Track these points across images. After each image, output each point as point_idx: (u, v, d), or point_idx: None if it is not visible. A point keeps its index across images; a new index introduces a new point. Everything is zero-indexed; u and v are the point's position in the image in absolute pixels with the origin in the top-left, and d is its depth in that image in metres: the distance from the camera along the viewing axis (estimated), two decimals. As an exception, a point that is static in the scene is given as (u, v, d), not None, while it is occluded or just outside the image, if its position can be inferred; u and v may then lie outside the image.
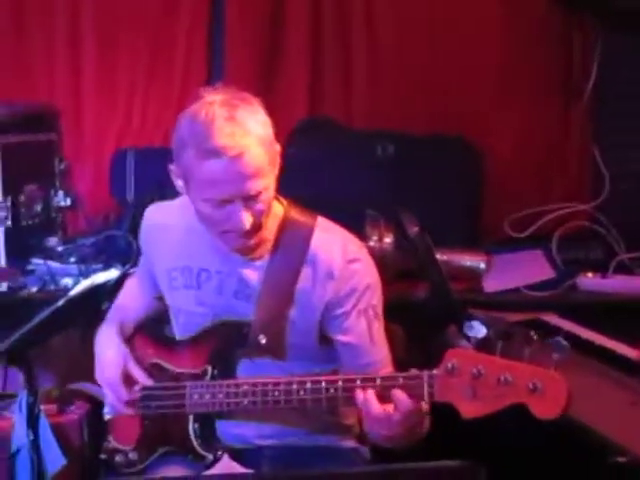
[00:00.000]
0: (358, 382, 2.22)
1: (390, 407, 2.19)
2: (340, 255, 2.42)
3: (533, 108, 4.20)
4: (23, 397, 2.48)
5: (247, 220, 2.29)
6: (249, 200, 2.28)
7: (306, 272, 2.42)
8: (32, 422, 2.46)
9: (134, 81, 4.21)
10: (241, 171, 2.24)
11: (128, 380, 2.51)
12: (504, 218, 4.04)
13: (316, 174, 3.73)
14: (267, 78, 4.17)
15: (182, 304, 2.55)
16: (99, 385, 2.59)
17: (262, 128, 2.29)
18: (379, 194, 3.70)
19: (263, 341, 2.40)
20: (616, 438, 2.31)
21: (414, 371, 2.18)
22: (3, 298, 3.48)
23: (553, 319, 3.27)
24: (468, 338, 2.12)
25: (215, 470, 2.42)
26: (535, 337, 2.07)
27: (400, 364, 2.47)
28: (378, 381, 2.20)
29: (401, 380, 2.18)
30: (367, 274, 2.46)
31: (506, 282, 3.59)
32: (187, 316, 2.54)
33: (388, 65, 4.19)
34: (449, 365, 2.09)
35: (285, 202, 2.48)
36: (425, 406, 2.22)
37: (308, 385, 2.27)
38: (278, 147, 2.34)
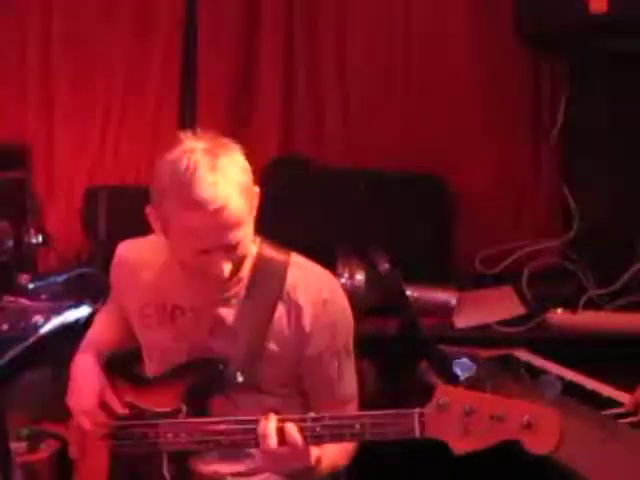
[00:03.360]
0: (346, 420, 2.23)
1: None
2: (315, 294, 2.43)
3: (504, 147, 4.23)
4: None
5: (227, 268, 2.29)
6: (229, 249, 2.28)
7: (281, 309, 2.42)
8: (1, 461, 2.44)
9: (107, 117, 4.21)
10: (223, 223, 2.22)
11: (104, 409, 2.49)
12: (475, 255, 4.07)
13: (288, 211, 3.75)
14: (239, 116, 4.19)
15: (156, 341, 2.54)
16: (64, 423, 2.57)
17: (243, 176, 2.28)
18: (351, 231, 3.72)
19: (240, 379, 2.40)
20: (587, 475, 2.32)
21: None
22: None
23: (524, 355, 3.28)
24: (453, 377, 2.13)
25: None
26: (525, 375, 2.09)
27: (370, 399, 2.49)
28: (367, 418, 2.20)
29: (391, 417, 2.18)
30: (341, 313, 2.48)
31: (477, 318, 3.61)
32: (161, 353, 2.53)
33: (361, 104, 4.22)
34: (440, 402, 2.11)
35: (258, 240, 2.48)
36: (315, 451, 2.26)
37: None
38: (257, 190, 2.34)
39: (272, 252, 2.48)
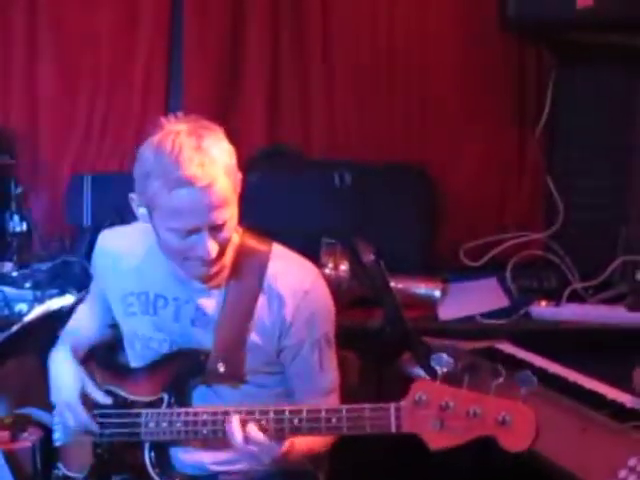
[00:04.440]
0: (323, 413, 2.23)
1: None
2: (296, 284, 2.44)
3: (489, 138, 4.25)
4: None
5: (213, 249, 2.29)
6: (215, 229, 2.28)
7: (262, 300, 2.43)
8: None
9: (92, 105, 4.17)
10: (209, 201, 2.23)
11: (86, 402, 2.49)
12: (459, 247, 4.08)
13: (273, 201, 3.75)
14: (225, 106, 4.17)
15: (138, 330, 2.54)
16: (48, 411, 2.57)
17: (228, 157, 2.29)
18: (335, 222, 3.73)
19: (222, 369, 2.41)
20: (568, 465, 2.33)
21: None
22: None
23: (507, 347, 3.29)
24: (434, 370, 2.13)
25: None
26: (502, 370, 2.10)
27: (353, 391, 2.49)
28: (344, 412, 2.22)
29: (367, 412, 2.19)
30: (322, 303, 2.49)
31: (461, 310, 3.62)
32: (143, 342, 2.54)
33: (345, 93, 4.22)
34: (416, 397, 2.12)
35: (240, 229, 2.48)
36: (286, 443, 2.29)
37: (271, 415, 2.27)
38: (239, 175, 2.35)
39: (254, 242, 2.49)
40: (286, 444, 2.29)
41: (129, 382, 2.52)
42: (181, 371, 2.45)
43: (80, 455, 2.54)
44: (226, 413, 2.31)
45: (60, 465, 2.59)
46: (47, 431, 2.61)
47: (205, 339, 2.44)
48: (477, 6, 4.10)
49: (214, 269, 2.38)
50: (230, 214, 2.30)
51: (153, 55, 4.17)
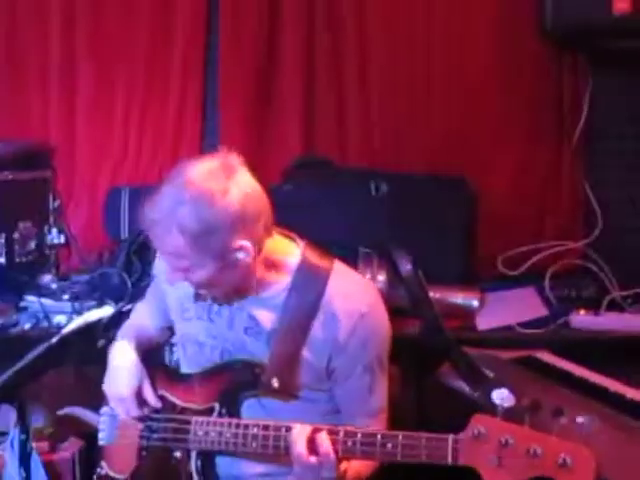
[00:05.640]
0: (379, 438, 2.19)
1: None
2: (353, 305, 2.41)
3: (526, 147, 4.22)
4: (15, 435, 2.47)
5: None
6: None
7: (318, 317, 2.41)
8: (24, 460, 2.45)
9: (128, 117, 4.21)
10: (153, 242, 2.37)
11: (138, 399, 2.50)
12: (497, 256, 4.06)
13: (310, 211, 3.74)
14: (261, 117, 4.19)
15: (192, 334, 2.56)
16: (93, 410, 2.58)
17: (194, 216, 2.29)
18: (372, 232, 3.71)
19: (275, 385, 2.39)
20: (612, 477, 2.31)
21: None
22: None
23: (546, 356, 3.27)
24: (495, 406, 2.11)
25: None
26: (564, 411, 2.06)
27: (393, 401, 2.47)
28: (400, 438, 2.18)
29: (424, 440, 2.15)
30: (378, 327, 2.46)
31: (499, 320, 3.59)
32: (196, 347, 2.55)
33: (382, 104, 4.21)
34: (475, 431, 2.08)
35: (302, 244, 2.48)
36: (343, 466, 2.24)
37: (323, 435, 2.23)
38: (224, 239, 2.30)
39: (315, 258, 2.47)
40: (344, 464, 2.26)
41: (180, 388, 2.53)
42: (235, 382, 2.44)
43: (124, 456, 2.54)
44: (277, 428, 2.29)
45: (103, 464, 2.59)
46: (88, 438, 2.62)
47: (257, 349, 2.44)
48: (515, 19, 4.08)
49: (207, 299, 2.46)
50: (185, 266, 2.32)
51: (188, 68, 4.19)
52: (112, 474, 2.56)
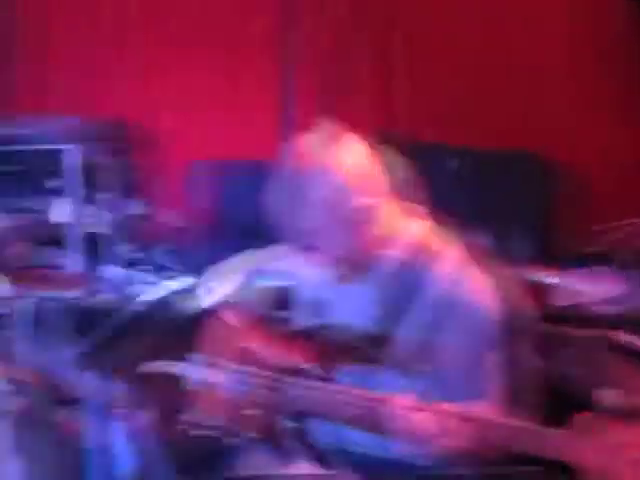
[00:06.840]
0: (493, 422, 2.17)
1: None
2: (459, 295, 2.36)
3: (608, 122, 4.18)
4: (97, 401, 2.52)
5: None
6: None
7: (424, 297, 2.37)
8: (105, 426, 2.50)
9: (210, 96, 4.27)
10: None
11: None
12: (576, 233, 4.03)
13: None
14: (336, 93, 4.21)
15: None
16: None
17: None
18: (450, 209, 3.70)
19: (381, 356, 2.38)
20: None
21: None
22: (79, 304, 3.56)
23: (622, 336, 3.24)
24: (604, 407, 2.07)
25: (298, 469, 2.39)
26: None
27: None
28: (507, 427, 2.15)
29: (534, 432, 2.11)
30: (482, 315, 2.38)
31: (577, 297, 3.57)
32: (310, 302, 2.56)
33: (459, 80, 4.21)
34: (582, 428, 2.05)
35: (429, 224, 2.48)
36: None
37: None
38: None
39: (434, 238, 2.46)
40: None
41: (283, 344, 2.47)
42: (342, 348, 2.41)
43: (215, 403, 2.51)
44: (377, 400, 2.25)
45: (194, 410, 2.51)
46: (169, 408, 2.64)
47: (359, 318, 2.42)
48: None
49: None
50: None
51: (267, 49, 4.25)
52: (202, 421, 2.49)
